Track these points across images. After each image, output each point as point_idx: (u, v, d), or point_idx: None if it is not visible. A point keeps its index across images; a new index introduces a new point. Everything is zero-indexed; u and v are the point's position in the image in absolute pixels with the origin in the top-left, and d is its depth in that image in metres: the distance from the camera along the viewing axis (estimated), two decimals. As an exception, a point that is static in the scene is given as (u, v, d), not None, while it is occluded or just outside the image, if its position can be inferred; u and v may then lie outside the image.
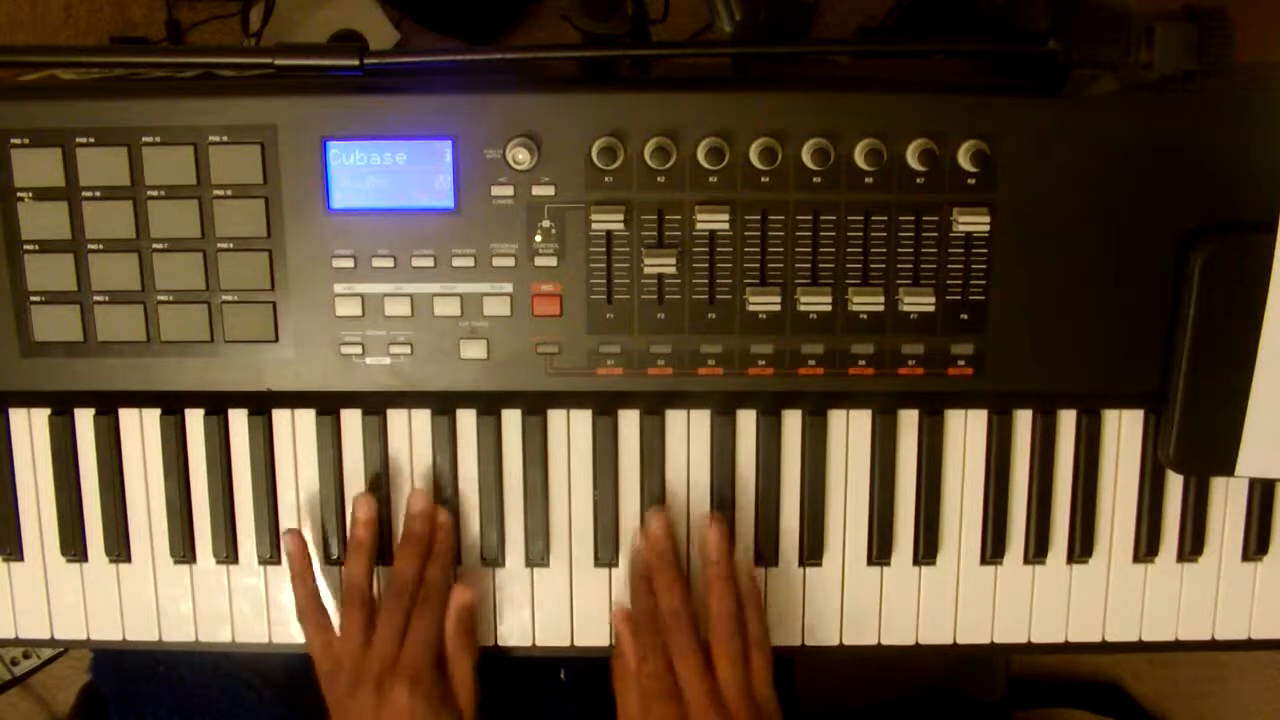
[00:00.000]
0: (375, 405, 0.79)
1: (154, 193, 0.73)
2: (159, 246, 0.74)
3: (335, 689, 0.74)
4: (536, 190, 0.73)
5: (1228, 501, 0.81)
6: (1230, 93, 0.72)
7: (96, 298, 0.75)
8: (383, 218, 0.74)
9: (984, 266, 0.74)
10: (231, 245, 0.74)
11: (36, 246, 0.74)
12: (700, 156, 0.72)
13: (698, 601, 0.76)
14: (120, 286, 0.75)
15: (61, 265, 0.74)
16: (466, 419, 0.79)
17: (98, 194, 0.73)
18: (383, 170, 0.73)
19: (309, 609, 0.77)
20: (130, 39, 1.32)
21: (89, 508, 0.80)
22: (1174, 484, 0.80)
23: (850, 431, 0.79)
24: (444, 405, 0.79)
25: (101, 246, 0.74)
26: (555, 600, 0.81)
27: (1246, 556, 0.81)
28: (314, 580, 0.78)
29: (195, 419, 0.80)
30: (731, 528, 0.79)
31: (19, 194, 0.73)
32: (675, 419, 0.79)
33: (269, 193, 0.73)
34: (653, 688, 0.73)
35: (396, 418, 0.79)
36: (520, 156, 0.72)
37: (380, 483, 0.80)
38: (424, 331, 0.75)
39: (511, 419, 0.79)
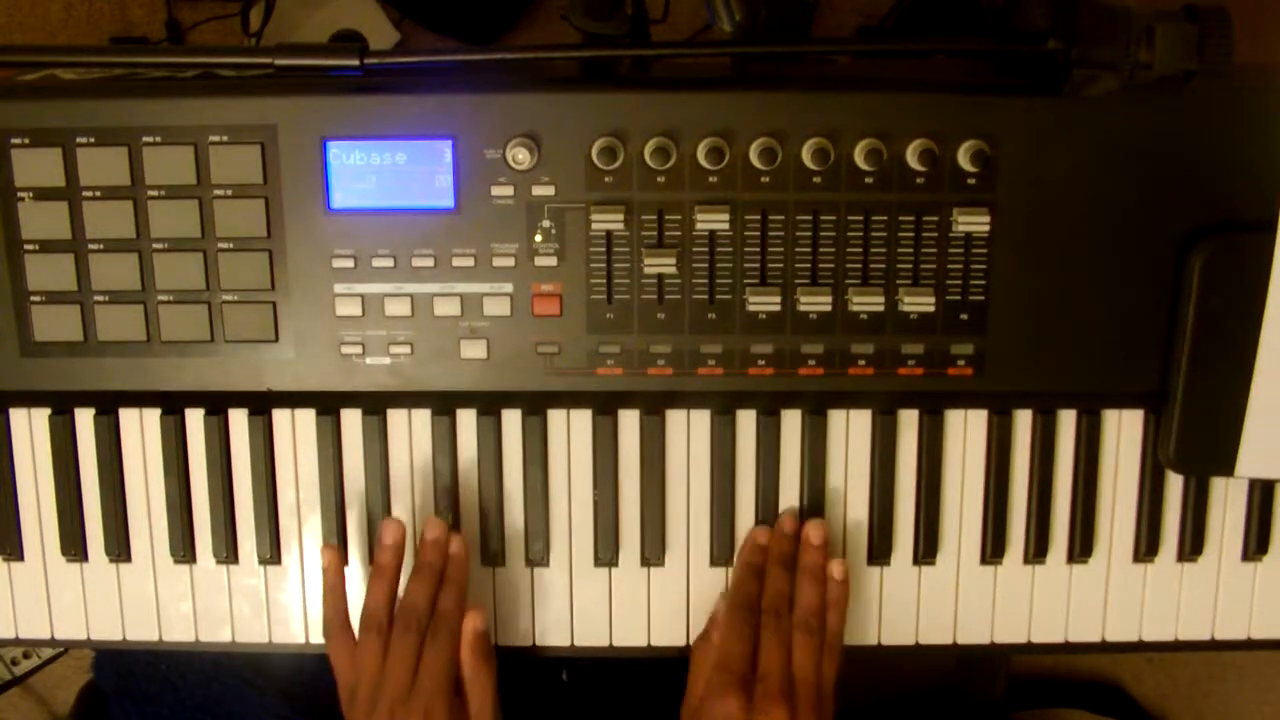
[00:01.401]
0: (375, 405, 0.79)
1: (154, 193, 0.73)
2: (159, 246, 0.74)
3: (354, 710, 0.74)
4: (536, 190, 0.73)
5: (1228, 502, 0.81)
6: (1230, 93, 0.72)
7: (97, 298, 0.75)
8: (383, 218, 0.74)
9: (984, 267, 0.74)
10: (231, 245, 0.74)
11: (36, 246, 0.74)
12: (700, 156, 0.72)
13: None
14: (120, 286, 0.75)
15: (61, 265, 0.74)
16: (466, 419, 0.79)
17: (98, 194, 0.73)
18: (383, 170, 0.73)
19: (336, 625, 0.76)
20: (130, 39, 1.32)
21: (89, 508, 0.80)
22: (1174, 484, 0.80)
23: (850, 431, 0.79)
24: (444, 405, 0.79)
25: (102, 246, 0.74)
26: (555, 600, 0.81)
27: (1246, 557, 0.81)
28: (345, 597, 0.77)
29: (195, 419, 0.80)
30: (731, 528, 0.80)
31: (19, 194, 0.73)
32: (675, 419, 0.79)
33: (269, 193, 0.73)
34: (731, 663, 0.73)
35: (396, 418, 0.79)
36: (520, 156, 0.72)
37: (380, 483, 0.80)
38: (424, 331, 0.75)
39: (511, 419, 0.79)
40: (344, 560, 0.79)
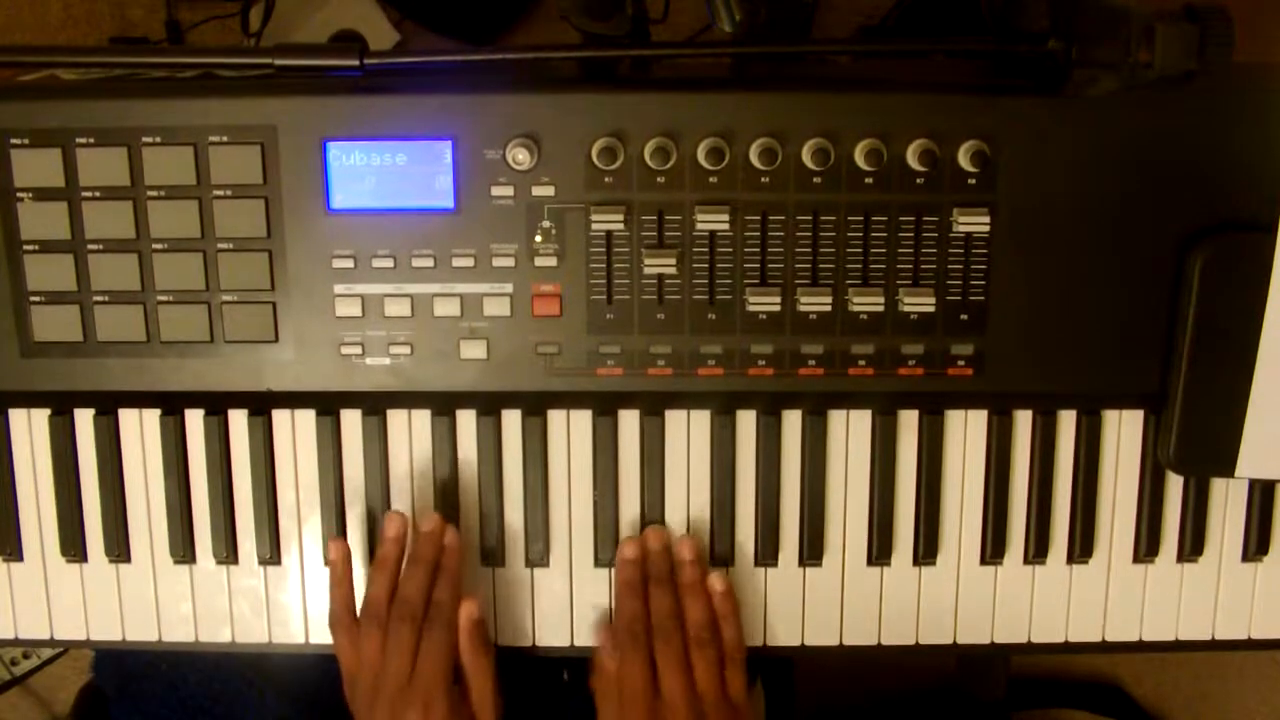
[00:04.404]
0: (375, 406, 0.79)
1: (154, 193, 0.73)
2: (159, 246, 0.74)
3: (357, 702, 0.75)
4: (536, 190, 0.73)
5: (1228, 502, 0.81)
6: (1230, 93, 0.72)
7: (96, 298, 0.75)
8: (383, 218, 0.74)
9: (984, 267, 0.74)
10: (231, 245, 0.74)
11: (36, 247, 0.74)
12: (700, 157, 0.72)
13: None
14: (120, 287, 0.75)
15: (61, 265, 0.74)
16: (466, 419, 0.79)
17: (98, 194, 0.73)
18: (383, 171, 0.73)
19: (342, 616, 0.76)
20: (130, 39, 1.32)
21: (89, 508, 0.80)
22: (1174, 484, 0.80)
23: (850, 432, 0.79)
24: (444, 406, 0.79)
25: (101, 247, 0.74)
26: (555, 600, 0.81)
27: (1246, 557, 0.81)
28: (351, 590, 0.77)
29: (195, 419, 0.80)
30: (731, 528, 0.80)
31: (19, 194, 0.73)
32: (675, 419, 0.79)
33: (269, 193, 0.73)
34: (634, 690, 0.74)
35: (396, 418, 0.79)
36: (520, 157, 0.72)
37: (380, 484, 0.80)
38: (424, 332, 0.75)
39: (511, 419, 0.79)
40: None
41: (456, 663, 0.75)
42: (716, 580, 0.78)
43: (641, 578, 0.78)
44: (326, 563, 0.79)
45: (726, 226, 0.73)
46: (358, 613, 0.77)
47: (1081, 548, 0.80)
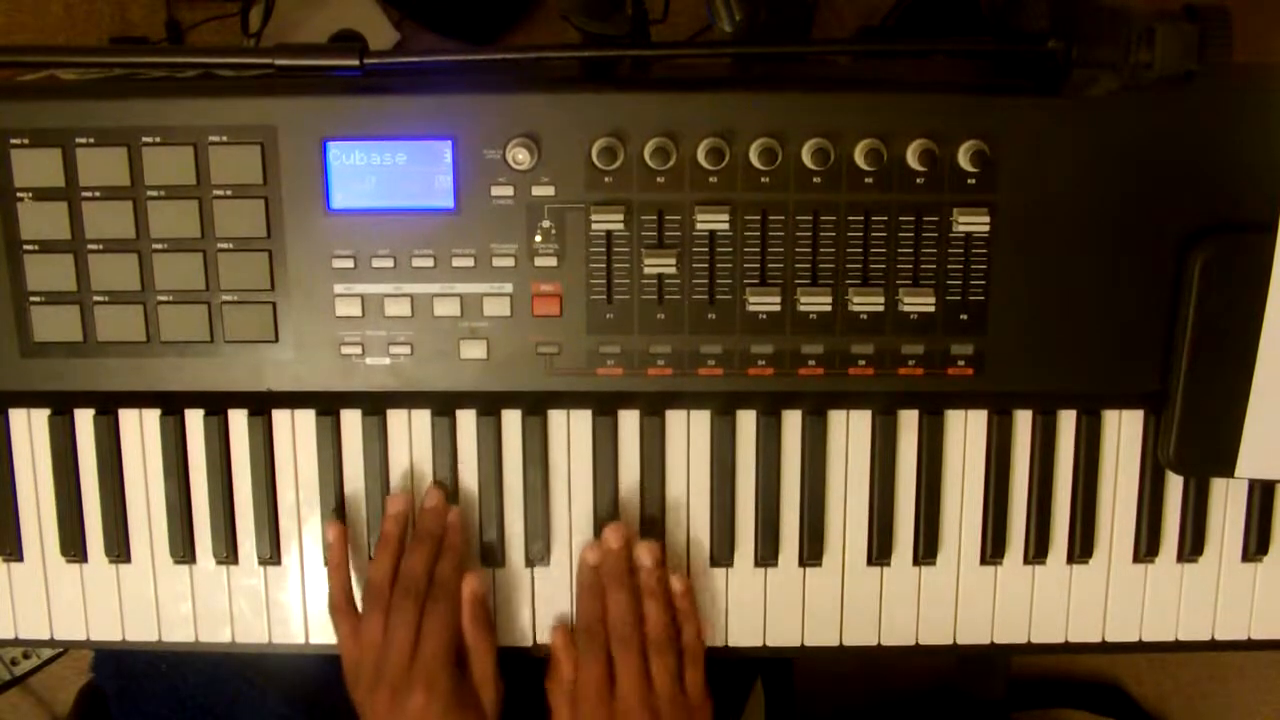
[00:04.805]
0: (375, 406, 0.79)
1: (154, 193, 0.73)
2: (159, 247, 0.74)
3: (358, 687, 0.75)
4: (536, 190, 0.73)
5: (1228, 502, 0.81)
6: (1230, 93, 0.72)
7: (96, 298, 0.75)
8: (383, 218, 0.74)
9: (984, 267, 0.74)
10: (231, 245, 0.74)
11: (36, 247, 0.74)
12: (700, 157, 0.72)
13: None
14: (120, 286, 0.75)
15: (61, 265, 0.74)
16: (466, 419, 0.79)
17: (98, 194, 0.73)
18: (383, 170, 0.73)
19: (340, 602, 0.77)
20: (130, 39, 1.32)
21: (89, 508, 0.80)
22: (1174, 484, 0.80)
23: (850, 432, 0.79)
24: (444, 405, 0.79)
25: (101, 247, 0.74)
26: (555, 600, 0.81)
27: (1246, 557, 0.81)
28: (349, 573, 0.78)
29: (195, 419, 0.80)
30: (731, 528, 0.80)
31: (19, 194, 0.73)
32: (675, 419, 0.79)
33: (269, 193, 0.73)
34: (589, 692, 0.74)
35: (396, 418, 0.79)
36: (520, 156, 0.72)
37: (380, 483, 0.80)
38: (424, 332, 0.75)
39: (511, 419, 0.79)
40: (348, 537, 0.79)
41: (460, 642, 0.75)
42: (676, 580, 0.78)
43: (600, 582, 0.78)
44: (325, 553, 0.79)
45: (726, 226, 0.73)
46: (355, 598, 0.77)
47: (1081, 548, 0.80)
